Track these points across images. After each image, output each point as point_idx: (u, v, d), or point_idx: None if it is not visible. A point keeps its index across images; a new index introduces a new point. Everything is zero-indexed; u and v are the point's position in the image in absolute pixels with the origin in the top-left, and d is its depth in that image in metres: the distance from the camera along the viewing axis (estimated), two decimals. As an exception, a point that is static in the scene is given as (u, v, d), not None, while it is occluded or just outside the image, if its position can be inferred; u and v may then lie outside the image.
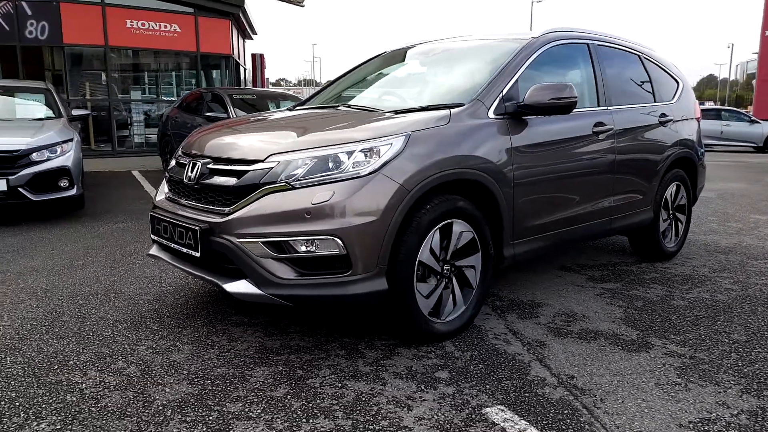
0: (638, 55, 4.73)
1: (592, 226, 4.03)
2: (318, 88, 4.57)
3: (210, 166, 2.99)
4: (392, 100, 3.87)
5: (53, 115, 7.03)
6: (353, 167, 2.72)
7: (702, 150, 5.29)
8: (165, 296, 3.74)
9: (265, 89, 13.35)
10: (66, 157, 5.95)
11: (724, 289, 4.13)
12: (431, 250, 2.95)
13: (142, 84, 15.89)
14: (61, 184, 5.92)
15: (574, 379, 2.67)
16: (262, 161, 2.80)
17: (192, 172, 3.05)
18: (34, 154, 5.74)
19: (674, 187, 4.88)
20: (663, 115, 4.66)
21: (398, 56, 4.56)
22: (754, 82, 25.75)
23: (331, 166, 2.73)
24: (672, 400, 2.50)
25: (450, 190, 3.08)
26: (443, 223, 2.99)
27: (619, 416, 2.36)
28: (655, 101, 4.71)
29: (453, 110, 3.17)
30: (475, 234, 3.16)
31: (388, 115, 3.26)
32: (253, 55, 21.77)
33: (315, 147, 2.81)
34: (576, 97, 3.37)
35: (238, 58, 18.34)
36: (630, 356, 2.95)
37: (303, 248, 2.66)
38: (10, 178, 5.58)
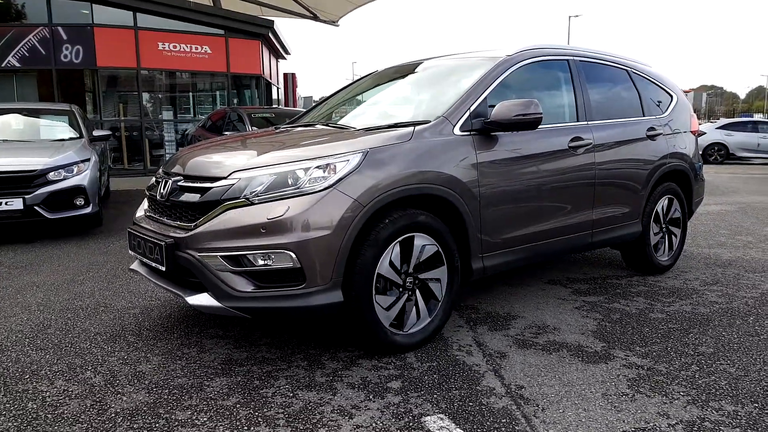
0: (626, 70, 4.76)
1: (571, 239, 4.06)
2: (312, 106, 4.75)
3: (180, 183, 3.18)
4: (369, 118, 4.00)
5: (75, 136, 7.40)
6: (309, 183, 2.86)
7: (699, 164, 5.25)
8: (151, 310, 3.93)
9: (284, 107, 13.61)
10: (82, 177, 6.28)
11: (709, 302, 4.10)
12: (391, 263, 3.05)
13: (175, 104, 16.45)
14: (77, 203, 6.23)
15: (522, 390, 2.73)
16: (225, 178, 2.97)
17: (164, 189, 3.24)
18: (51, 173, 6.07)
19: (666, 201, 4.86)
20: (651, 128, 4.67)
21: (385, 75, 4.70)
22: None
23: (289, 182, 2.88)
24: (613, 410, 2.53)
25: (413, 204, 3.19)
26: (404, 236, 3.09)
27: (555, 425, 2.42)
28: (643, 115, 4.72)
29: (417, 128, 3.29)
30: (440, 247, 3.26)
31: (357, 133, 3.40)
32: (285, 75, 22.30)
33: (276, 164, 2.96)
34: (541, 113, 3.44)
35: (270, 78, 18.80)
36: (587, 367, 2.99)
37: (260, 262, 2.81)
38: (26, 197, 5.91)
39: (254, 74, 16.39)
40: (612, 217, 4.34)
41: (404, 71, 4.60)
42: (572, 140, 3.97)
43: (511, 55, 3.88)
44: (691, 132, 5.20)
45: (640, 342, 3.34)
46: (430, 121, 3.38)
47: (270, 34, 16.32)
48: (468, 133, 3.43)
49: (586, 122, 4.16)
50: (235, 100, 16.76)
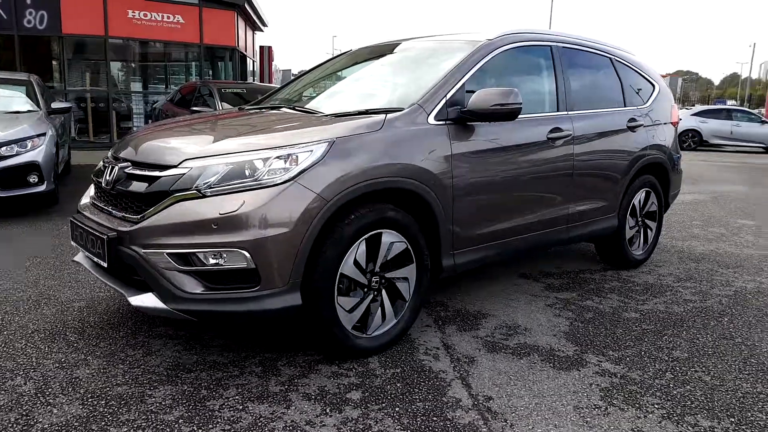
0: (609, 58, 4.58)
1: (547, 234, 3.91)
2: (281, 85, 4.48)
3: (127, 170, 2.92)
4: (340, 102, 3.76)
5: (32, 109, 7.01)
6: (268, 175, 2.64)
7: (677, 155, 5.13)
8: (98, 303, 3.67)
9: (257, 83, 13.18)
10: (37, 152, 5.93)
11: (683, 301, 4.00)
12: (356, 262, 2.86)
13: (146, 75, 15.89)
14: (30, 180, 5.89)
15: (491, 401, 2.57)
16: (175, 167, 2.72)
17: (110, 175, 2.98)
18: (3, 148, 5.71)
19: (643, 194, 4.73)
20: (632, 119, 4.51)
21: (360, 56, 4.45)
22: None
23: (247, 174, 2.65)
24: (585, 426, 2.39)
25: (381, 198, 2.99)
26: (371, 233, 2.89)
27: (523, 444, 2.27)
28: (624, 105, 4.55)
29: (388, 116, 3.07)
30: (409, 244, 3.07)
31: (325, 119, 3.17)
32: (261, 47, 21.72)
33: (232, 152, 2.73)
34: (520, 103, 3.25)
35: (245, 51, 18.28)
36: (558, 375, 2.84)
37: (211, 261, 2.59)
38: (-26, 174, 5.56)
39: (229, 46, 15.89)
40: (588, 211, 4.19)
41: (380, 52, 4.35)
42: (551, 131, 3.79)
43: (491, 40, 3.66)
44: (672, 123, 5.06)
45: (614, 345, 3.21)
46: (403, 109, 3.17)
47: (246, 5, 15.81)
48: (443, 122, 3.23)
49: (566, 112, 3.98)
50: (210, 73, 16.28)
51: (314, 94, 4.11)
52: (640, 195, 4.70)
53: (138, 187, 2.81)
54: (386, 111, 3.15)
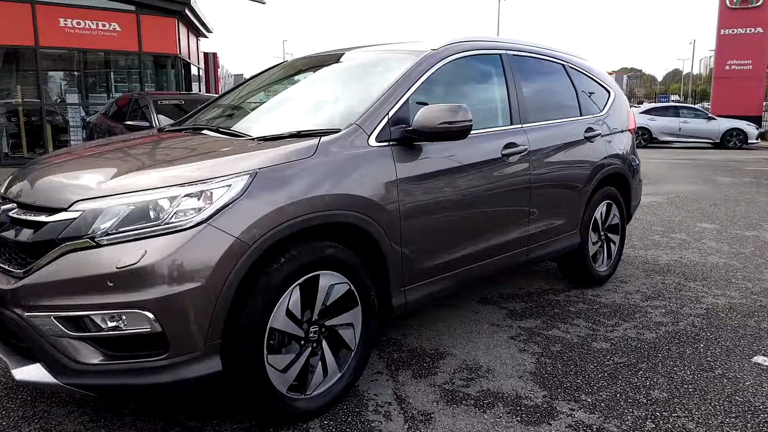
0: (562, 65, 4.29)
1: (505, 259, 3.57)
2: (207, 103, 4.02)
3: (11, 213, 2.44)
4: (270, 122, 3.34)
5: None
6: (176, 217, 2.21)
7: (636, 163, 4.89)
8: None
9: (197, 93, 12.57)
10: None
11: (654, 324, 3.72)
12: (289, 313, 2.45)
13: (85, 85, 15.06)
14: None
15: (450, 473, 2.20)
16: (66, 209, 2.27)
17: (-9, 221, 2.49)
18: None
19: (605, 207, 4.45)
20: (589, 129, 4.23)
21: (295, 67, 4.04)
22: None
23: (151, 216, 2.22)
24: (560, 504, 2.04)
25: (317, 235, 2.60)
26: (306, 277, 2.49)
27: None
28: (581, 114, 4.27)
29: (323, 139, 2.68)
30: (353, 285, 2.68)
31: (249, 145, 2.76)
32: (206, 54, 21.01)
33: (134, 191, 2.28)
34: (470, 121, 2.90)
35: (189, 58, 17.60)
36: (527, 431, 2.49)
37: (109, 324, 2.15)
38: None
39: (170, 54, 15.22)
40: (548, 230, 3.88)
41: (317, 63, 3.95)
42: (506, 147, 3.46)
43: (436, 50, 3.31)
44: (629, 130, 4.81)
45: (586, 387, 2.89)
46: (340, 130, 2.78)
47: (187, 11, 15.17)
48: (386, 143, 2.85)
49: (520, 125, 3.65)
50: (154, 82, 15.57)
51: (243, 113, 3.67)
52: (602, 208, 4.42)
53: (23, 234, 2.34)
54: (321, 133, 2.76)
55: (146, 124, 7.94)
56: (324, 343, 2.62)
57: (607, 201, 4.46)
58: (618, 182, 4.57)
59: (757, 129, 20.47)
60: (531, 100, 3.80)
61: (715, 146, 20.08)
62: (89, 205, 2.26)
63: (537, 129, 3.75)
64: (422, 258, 3.02)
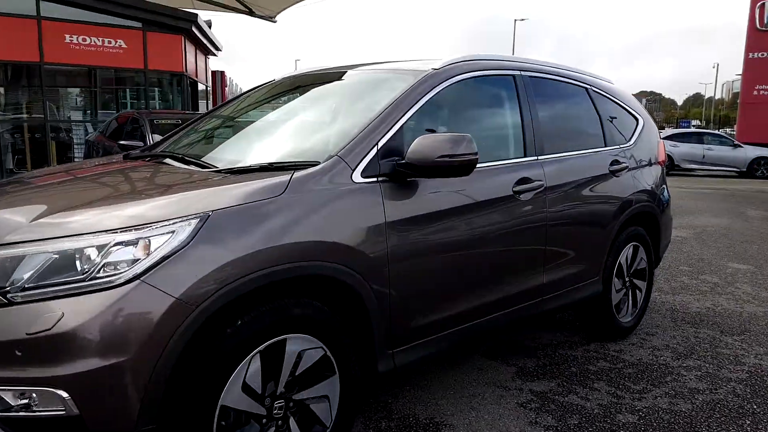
0: (585, 88, 3.82)
1: (515, 312, 3.08)
2: (185, 124, 3.59)
3: None
4: (242, 151, 2.90)
5: None
6: (103, 271, 1.76)
7: (667, 199, 4.37)
8: None
9: (197, 113, 12.23)
10: None
11: (689, 391, 3.19)
12: (246, 387, 1.99)
13: (93, 102, 14.83)
14: None
15: None
16: None
17: None
18: None
19: (630, 249, 3.95)
20: (615, 162, 3.74)
21: (281, 87, 3.60)
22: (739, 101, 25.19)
23: (79, 267, 1.77)
24: None
25: (286, 291, 2.14)
26: (269, 342, 2.03)
27: None
28: (605, 145, 3.78)
29: (297, 174, 2.22)
30: (329, 350, 2.21)
31: (210, 179, 2.33)
32: (213, 73, 20.79)
33: (60, 236, 1.84)
34: (475, 154, 2.43)
35: (196, 76, 17.36)
36: None
37: (19, 402, 1.70)
38: None
39: (176, 72, 14.96)
40: (566, 277, 3.38)
41: (306, 83, 3.52)
42: (518, 182, 2.99)
43: (438, 69, 2.85)
44: (659, 163, 4.32)
45: (611, 479, 2.37)
46: (318, 163, 2.33)
47: (194, 29, 14.92)
48: (374, 179, 2.39)
49: (535, 157, 3.18)
50: (160, 102, 15.32)
51: (217, 138, 3.24)
52: (627, 251, 3.91)
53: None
54: (295, 167, 2.31)
55: (140, 144, 7.57)
56: (291, 421, 2.14)
57: (634, 243, 3.95)
58: (646, 222, 4.06)
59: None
60: (548, 128, 3.33)
61: (741, 175, 19.37)
62: (7, 251, 1.82)
63: (555, 161, 3.28)
64: (415, 314, 2.54)
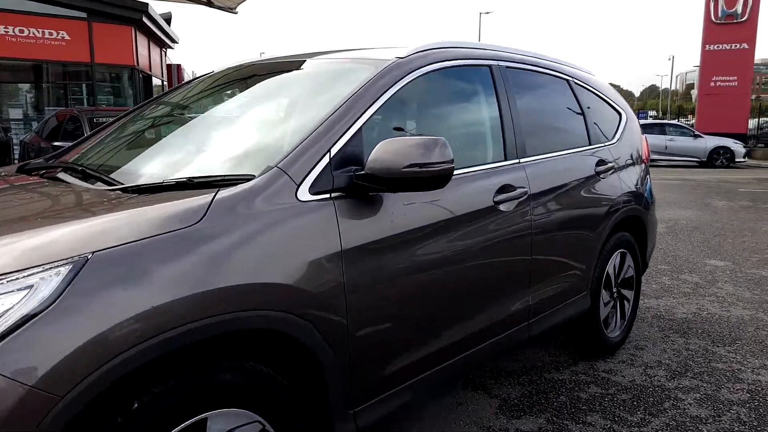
0: (567, 80, 3.40)
1: (500, 342, 2.65)
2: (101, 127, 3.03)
3: None
4: (166, 160, 2.38)
5: None
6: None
7: (652, 199, 4.01)
8: None
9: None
10: None
11: (691, 420, 2.82)
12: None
13: (26, 100, 13.92)
14: None
15: None
16: None
17: None
18: None
19: (618, 257, 3.56)
20: (601, 162, 3.34)
21: (219, 81, 3.08)
22: (692, 92, 25.44)
23: None
24: None
25: (208, 353, 1.64)
26: (183, 426, 1.53)
27: None
28: (590, 143, 3.38)
29: (222, 193, 1.73)
30: (269, 424, 1.74)
31: (109, 201, 1.82)
32: (169, 66, 19.89)
33: None
34: (451, 162, 1.98)
35: (149, 70, 16.53)
36: None
37: None
38: None
39: (127, 65, 14.14)
40: (554, 296, 2.97)
41: (247, 76, 3.00)
42: (499, 191, 2.55)
43: (403, 58, 2.38)
44: (643, 160, 3.95)
45: None
46: (253, 177, 1.84)
47: (145, 19, 14.12)
48: (327, 196, 1.92)
49: (517, 159, 2.75)
50: (111, 97, 14.49)
51: (133, 144, 2.70)
52: (615, 260, 3.53)
53: None
54: (223, 182, 1.82)
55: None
56: None
57: (621, 250, 3.57)
58: (633, 226, 3.68)
59: (744, 147, 19.97)
60: (530, 126, 2.90)
61: (702, 165, 19.49)
62: None
63: (538, 164, 2.85)
64: (383, 361, 2.08)
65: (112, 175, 2.15)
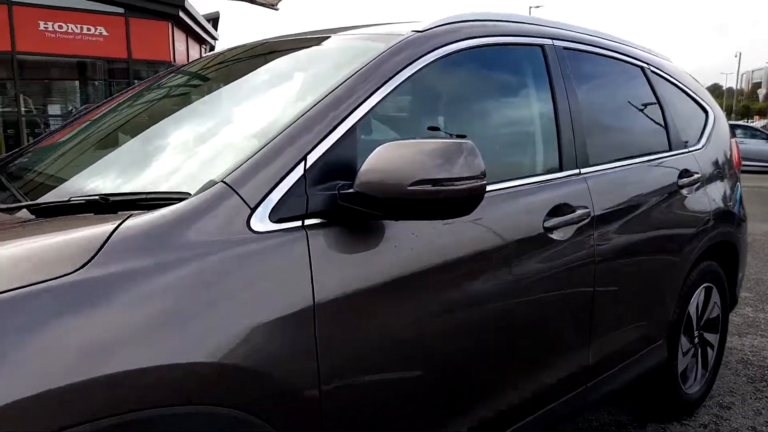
0: (641, 67, 2.68)
1: (547, 414, 1.96)
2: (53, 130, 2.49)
3: None
4: (99, 167, 1.78)
5: None
6: None
7: (744, 217, 3.24)
8: None
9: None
10: None
11: None
12: None
13: (65, 96, 13.80)
14: None
15: None
16: None
17: None
18: None
19: (702, 294, 2.82)
20: (685, 172, 2.62)
21: (205, 67, 2.48)
22: (759, 91, 23.81)
23: None
24: None
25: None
26: None
27: None
28: (670, 148, 2.65)
29: (130, 222, 1.13)
30: None
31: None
32: (210, 63, 19.66)
33: None
34: (482, 177, 1.33)
35: (188, 66, 16.27)
36: None
37: None
38: None
39: (164, 61, 13.85)
40: (620, 350, 2.27)
41: (232, 60, 2.38)
42: (553, 212, 1.87)
43: (422, 32, 1.73)
44: (734, 169, 3.18)
45: None
46: (188, 196, 1.23)
47: (182, 14, 13.80)
48: (297, 224, 1.30)
49: (576, 170, 2.06)
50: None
51: (79, 147, 2.11)
52: (698, 297, 2.79)
53: None
54: (149, 201, 1.23)
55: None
56: None
57: (706, 284, 2.83)
58: (723, 252, 2.93)
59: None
60: (594, 125, 2.21)
61: (776, 171, 18.02)
62: None
63: (604, 175, 2.16)
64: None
65: (26, 189, 1.58)
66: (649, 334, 2.41)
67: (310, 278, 1.26)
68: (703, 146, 2.88)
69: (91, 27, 12.34)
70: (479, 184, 1.31)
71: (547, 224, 1.84)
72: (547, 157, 2.03)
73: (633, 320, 2.30)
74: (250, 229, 1.23)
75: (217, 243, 1.18)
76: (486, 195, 1.51)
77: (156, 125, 1.93)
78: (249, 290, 1.19)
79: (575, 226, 1.93)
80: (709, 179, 2.79)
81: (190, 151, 1.61)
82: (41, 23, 11.85)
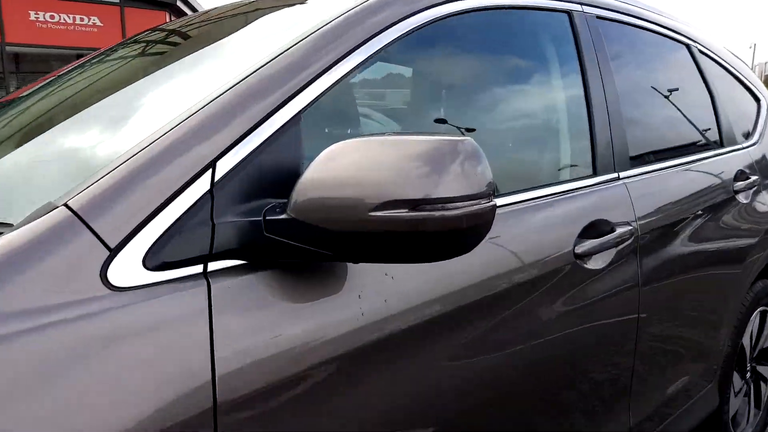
0: (687, 45, 2.17)
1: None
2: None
3: None
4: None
5: None
6: None
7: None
8: None
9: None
10: None
11: None
12: None
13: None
14: None
15: None
16: None
17: None
18: None
19: (757, 319, 2.32)
20: (741, 174, 2.11)
21: (149, 42, 2.00)
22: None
23: None
24: None
25: None
26: None
27: None
28: (722, 144, 2.15)
29: None
30: None
31: None
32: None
33: None
34: (489, 195, 0.83)
35: (188, 58, 15.84)
36: None
37: None
38: None
39: (161, 53, 13.42)
40: (666, 402, 1.78)
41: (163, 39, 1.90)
42: (586, 231, 1.37)
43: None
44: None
45: None
46: (9, 227, 0.75)
47: (180, 3, 13.34)
48: (195, 269, 0.81)
49: (615, 173, 1.56)
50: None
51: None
52: (753, 324, 2.29)
53: None
54: None
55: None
56: None
57: (762, 308, 2.33)
58: (781, 271, 2.43)
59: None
60: (636, 117, 1.71)
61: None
62: None
63: (649, 180, 1.66)
64: None
65: None
66: (697, 378, 1.92)
67: (210, 367, 0.78)
68: (757, 141, 2.37)
69: (84, 17, 11.89)
70: (484, 206, 0.83)
71: (579, 250, 1.34)
72: (576, 158, 1.54)
73: (681, 365, 1.81)
74: (106, 281, 0.75)
75: (41, 311, 0.70)
76: (503, 207, 1.03)
77: (47, 124, 1.45)
78: (99, 383, 0.71)
79: (614, 250, 1.44)
80: (766, 181, 2.29)
81: (29, 155, 1.13)
82: (32, 13, 11.41)
